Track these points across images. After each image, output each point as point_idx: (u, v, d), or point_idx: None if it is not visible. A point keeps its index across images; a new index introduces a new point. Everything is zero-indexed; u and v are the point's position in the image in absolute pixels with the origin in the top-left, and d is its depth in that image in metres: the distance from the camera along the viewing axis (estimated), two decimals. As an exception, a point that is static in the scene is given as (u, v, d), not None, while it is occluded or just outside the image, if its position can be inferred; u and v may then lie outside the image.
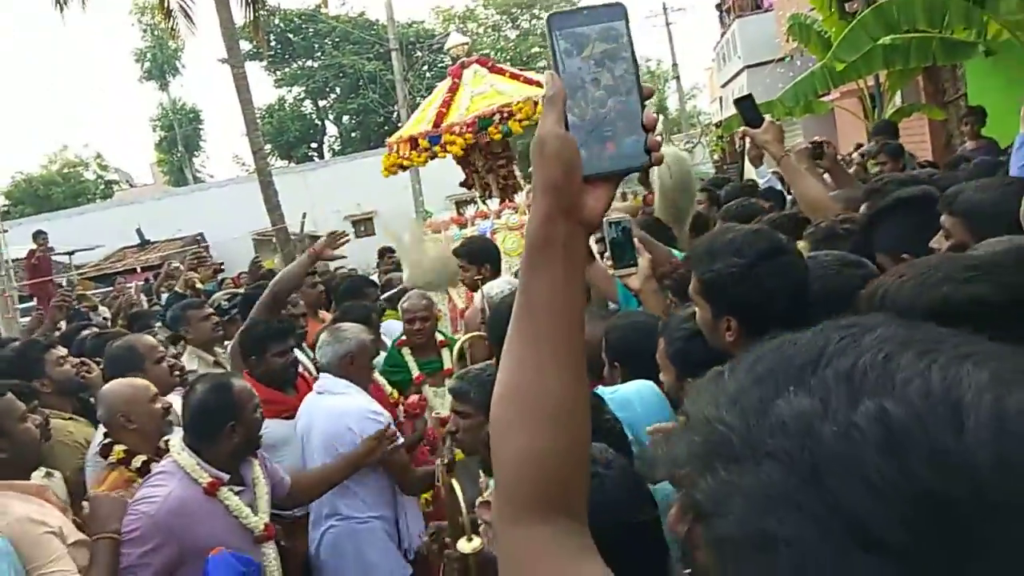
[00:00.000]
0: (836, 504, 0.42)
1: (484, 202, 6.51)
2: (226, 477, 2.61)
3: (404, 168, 6.85)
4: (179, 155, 37.44)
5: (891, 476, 0.41)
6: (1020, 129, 3.17)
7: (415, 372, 4.09)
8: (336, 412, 3.22)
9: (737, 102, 3.02)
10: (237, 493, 2.62)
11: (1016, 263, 0.97)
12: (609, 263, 2.39)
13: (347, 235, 4.21)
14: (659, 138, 0.84)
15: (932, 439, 0.41)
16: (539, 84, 6.55)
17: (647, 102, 0.83)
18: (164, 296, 6.86)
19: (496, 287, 3.71)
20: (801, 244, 2.86)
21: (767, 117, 2.96)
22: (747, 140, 3.48)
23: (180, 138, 36.74)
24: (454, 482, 2.29)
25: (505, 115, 6.08)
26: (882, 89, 10.40)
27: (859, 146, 9.16)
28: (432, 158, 6.49)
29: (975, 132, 7.28)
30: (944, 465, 0.41)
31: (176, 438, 2.66)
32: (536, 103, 6.05)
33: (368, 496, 3.26)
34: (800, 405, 0.45)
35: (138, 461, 2.67)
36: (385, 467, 3.26)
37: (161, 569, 2.40)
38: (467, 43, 7.02)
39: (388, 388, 3.85)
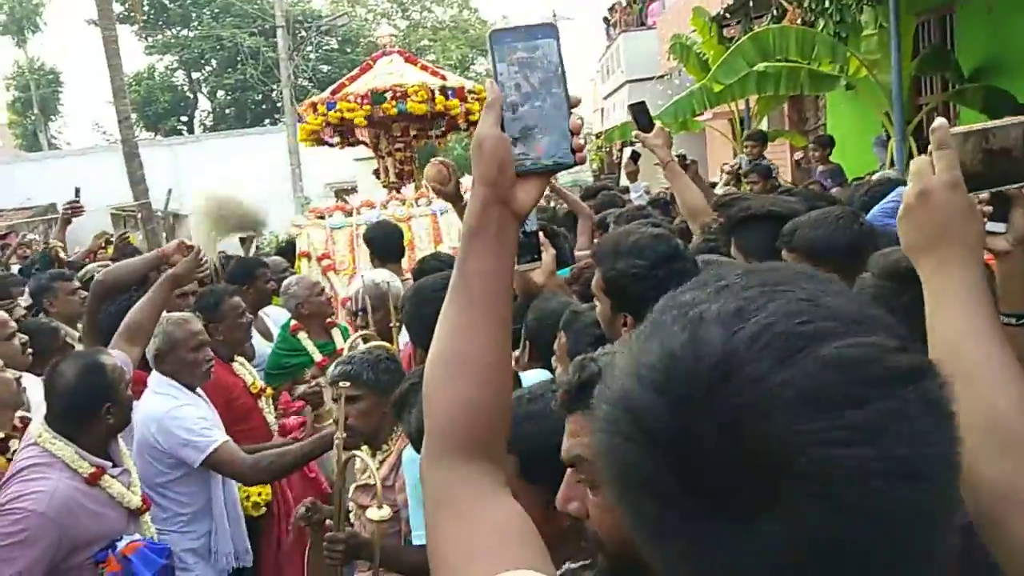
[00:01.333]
0: (642, 351, 0.61)
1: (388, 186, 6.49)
2: (109, 464, 2.48)
3: (319, 141, 6.71)
4: (34, 118, 34.76)
5: (669, 343, 0.60)
6: (876, 164, 3.47)
7: (317, 356, 4.04)
8: (144, 416, 2.93)
9: (631, 107, 3.23)
10: (119, 476, 2.52)
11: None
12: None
13: (204, 263, 3.51)
14: (583, 141, 0.95)
15: (704, 327, 0.59)
16: (443, 78, 6.58)
17: (573, 110, 0.94)
18: (16, 266, 6.35)
19: (378, 275, 3.69)
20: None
21: (657, 123, 3.17)
22: (624, 154, 3.70)
23: (36, 100, 34.09)
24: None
25: (399, 94, 6.06)
26: (751, 113, 11.00)
27: (724, 164, 9.68)
28: (329, 125, 6.36)
29: (824, 157, 7.92)
30: (695, 341, 0.58)
31: (39, 425, 2.46)
32: (433, 90, 6.11)
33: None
34: (681, 298, 0.63)
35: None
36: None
37: (50, 569, 2.27)
38: (394, 34, 7.01)
39: (250, 378, 3.62)
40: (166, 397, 3.01)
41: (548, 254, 2.64)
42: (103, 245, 5.71)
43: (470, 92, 6.37)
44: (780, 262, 0.61)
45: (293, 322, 4.14)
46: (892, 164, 7.48)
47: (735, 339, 0.56)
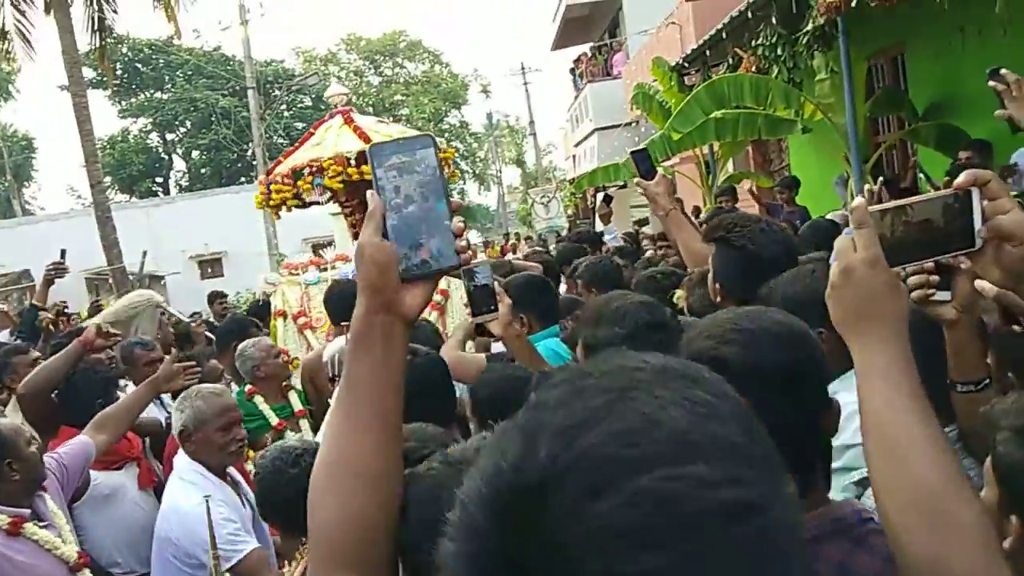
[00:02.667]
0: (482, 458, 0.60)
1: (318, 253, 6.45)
2: (27, 512, 2.52)
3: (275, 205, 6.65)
4: (7, 184, 34.69)
5: (498, 452, 0.58)
6: (839, 203, 3.53)
7: (274, 420, 3.95)
8: (167, 507, 2.75)
9: (633, 154, 3.12)
10: (44, 527, 2.55)
11: (766, 336, 1.12)
12: (468, 311, 2.46)
13: (117, 336, 3.69)
14: (465, 243, 0.98)
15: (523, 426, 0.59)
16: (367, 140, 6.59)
17: (455, 214, 0.98)
18: None
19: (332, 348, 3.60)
20: (679, 292, 3.06)
21: (659, 170, 3.06)
22: (597, 199, 3.65)
23: (9, 166, 34.07)
24: None
25: (315, 169, 6.03)
26: (716, 157, 11.22)
27: (696, 209, 9.84)
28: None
29: (790, 199, 8.08)
30: (519, 458, 0.57)
31: None
32: (347, 159, 6.08)
33: None
34: (542, 397, 0.62)
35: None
36: None
37: None
38: (346, 93, 7.01)
39: None
40: (193, 487, 2.72)
41: (504, 305, 2.63)
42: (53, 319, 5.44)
43: None
44: (655, 358, 0.60)
45: (248, 387, 4.03)
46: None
47: (558, 462, 0.54)
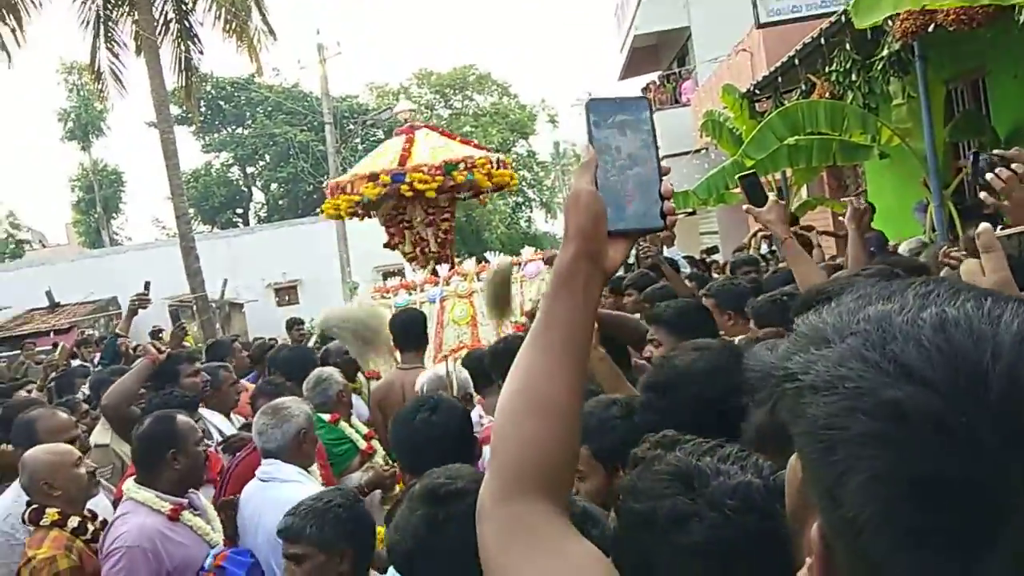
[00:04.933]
0: (893, 357, 0.55)
1: (411, 262, 6.58)
2: (185, 502, 2.86)
3: (342, 214, 6.88)
4: (96, 216, 36.44)
5: (938, 343, 0.55)
6: (919, 229, 3.41)
7: (362, 444, 4.05)
8: (284, 506, 2.81)
9: (741, 180, 2.99)
10: (198, 515, 2.90)
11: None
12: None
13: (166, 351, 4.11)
14: (673, 205, 0.99)
15: (972, 327, 0.55)
16: (476, 146, 6.81)
17: (664, 177, 0.99)
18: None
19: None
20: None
21: (771, 196, 2.92)
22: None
23: (99, 199, 35.82)
24: None
25: (470, 164, 6.22)
26: (789, 183, 11.06)
27: (761, 231, 9.70)
28: (385, 197, 6.53)
29: (867, 224, 7.86)
30: (977, 340, 0.54)
31: (129, 481, 2.90)
32: (493, 161, 6.34)
33: None
34: (883, 307, 0.59)
35: (74, 521, 2.79)
36: None
37: None
38: (414, 108, 7.28)
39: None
40: (300, 485, 2.94)
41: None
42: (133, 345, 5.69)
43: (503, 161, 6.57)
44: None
45: (329, 414, 4.07)
46: (934, 229, 7.47)
47: (1015, 333, 0.54)
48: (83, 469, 2.87)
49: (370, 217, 7.19)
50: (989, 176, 2.16)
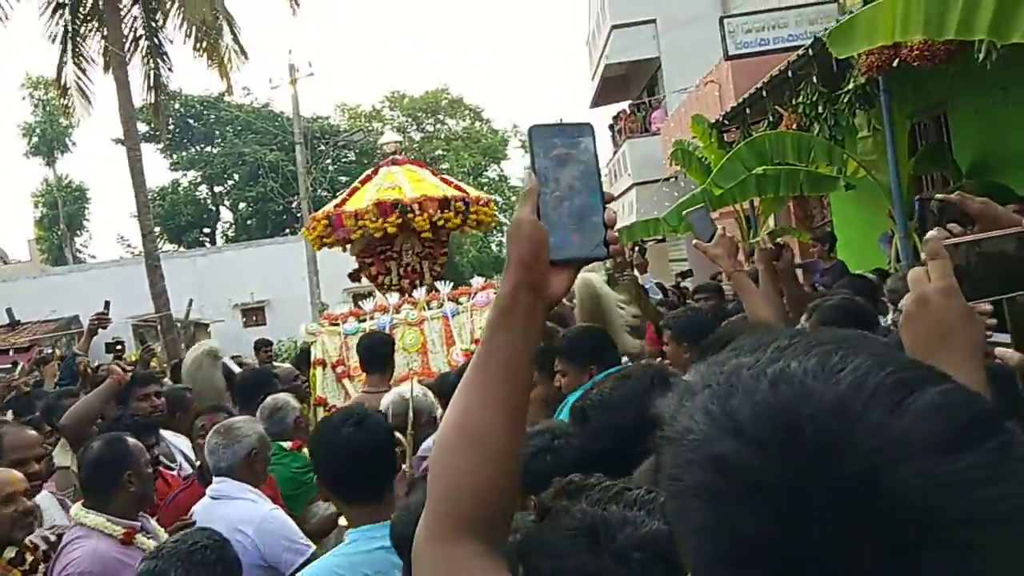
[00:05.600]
0: (729, 411, 0.58)
1: (385, 293, 6.51)
2: (138, 525, 2.79)
3: (327, 244, 6.80)
4: (60, 233, 35.84)
5: (768, 397, 0.57)
6: (884, 260, 3.46)
7: None
8: (235, 521, 2.90)
9: (688, 214, 3.05)
10: (151, 538, 2.81)
11: None
12: None
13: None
14: (616, 234, 0.98)
15: (804, 384, 0.57)
16: (457, 187, 6.81)
17: (608, 204, 0.98)
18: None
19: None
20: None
21: (719, 230, 2.97)
22: (635, 250, 3.59)
23: (63, 216, 35.25)
24: None
25: (473, 202, 6.31)
26: (756, 213, 11.21)
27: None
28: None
29: (824, 254, 8.05)
30: (802, 395, 0.56)
31: (76, 506, 2.82)
32: (442, 200, 6.32)
33: None
34: (740, 361, 0.61)
35: (10, 552, 2.65)
36: None
37: None
38: (399, 141, 7.22)
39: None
40: (251, 502, 3.03)
41: None
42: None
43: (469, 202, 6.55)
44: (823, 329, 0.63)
45: (290, 442, 3.98)
46: (898, 259, 7.59)
47: (840, 389, 0.55)
48: (11, 508, 2.68)
49: (345, 248, 7.13)
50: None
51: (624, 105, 22.07)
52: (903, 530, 0.52)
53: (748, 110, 9.96)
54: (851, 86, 7.40)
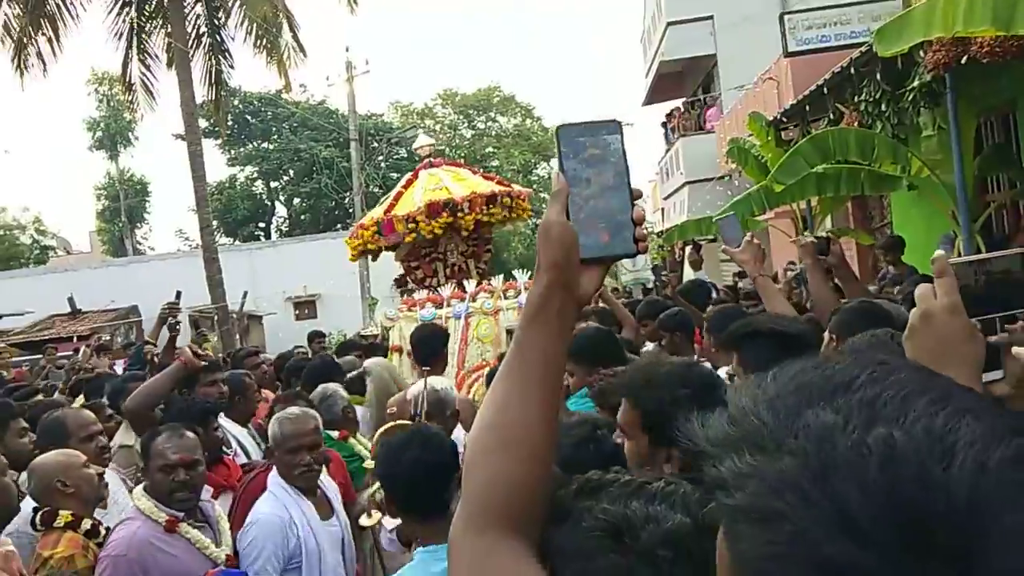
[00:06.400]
0: (835, 497, 0.50)
1: (435, 290, 6.55)
2: (181, 515, 2.88)
3: (369, 251, 6.92)
4: (121, 225, 36.86)
5: (884, 486, 0.50)
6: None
7: (370, 461, 4.01)
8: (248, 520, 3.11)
9: (719, 221, 3.18)
10: (198, 528, 2.91)
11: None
12: None
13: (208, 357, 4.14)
14: (646, 231, 1.00)
15: (923, 467, 0.50)
16: (500, 182, 6.85)
17: (636, 201, 0.99)
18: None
19: (439, 383, 3.67)
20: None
21: (746, 236, 3.09)
22: (686, 251, 3.66)
23: (124, 209, 36.25)
24: None
25: (513, 196, 6.34)
26: (813, 212, 11.01)
27: (790, 263, 9.65)
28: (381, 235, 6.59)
29: (896, 259, 7.76)
30: (927, 487, 0.50)
31: (138, 488, 2.95)
32: (491, 196, 6.34)
33: None
34: (826, 418, 0.54)
35: (87, 523, 2.77)
36: None
37: None
38: (432, 144, 7.26)
39: None
40: (270, 500, 3.12)
41: None
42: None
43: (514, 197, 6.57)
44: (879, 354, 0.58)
45: (337, 431, 4.07)
46: (961, 262, 7.39)
47: (966, 476, 0.49)
48: (92, 470, 2.89)
49: (378, 255, 7.21)
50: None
51: (678, 103, 21.87)
52: None
53: (808, 107, 9.79)
54: (916, 83, 7.22)
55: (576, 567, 1.01)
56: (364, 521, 2.53)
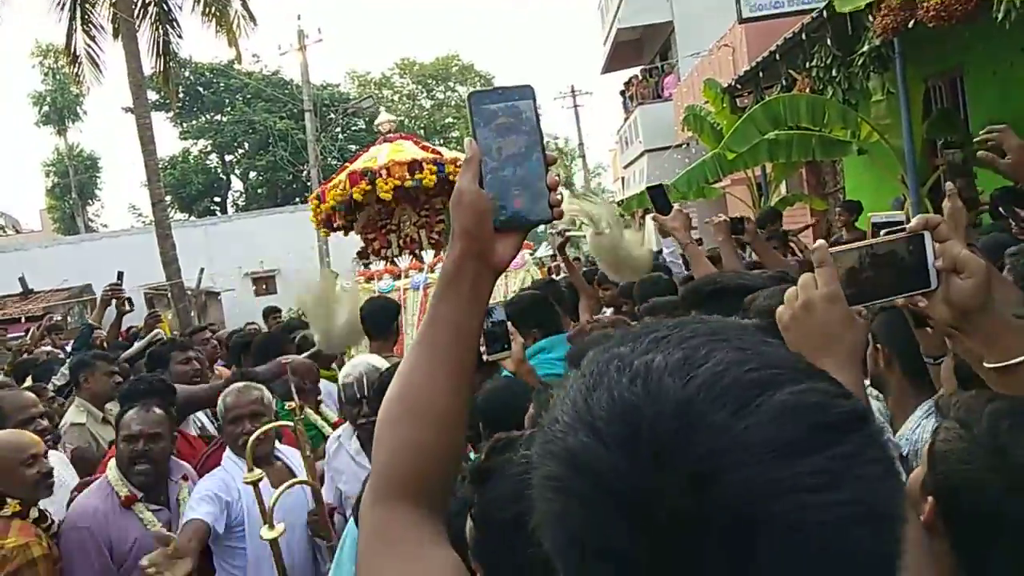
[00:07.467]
0: (589, 403, 0.59)
1: (391, 262, 6.55)
2: (139, 494, 2.96)
3: (332, 225, 6.90)
4: (72, 202, 35.97)
5: (624, 394, 0.58)
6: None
7: (328, 431, 3.87)
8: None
9: (649, 190, 3.23)
10: (156, 512, 2.99)
11: None
12: (483, 350, 2.44)
13: None
14: (559, 196, 0.98)
15: (660, 381, 0.58)
16: (435, 151, 6.82)
17: (551, 167, 0.97)
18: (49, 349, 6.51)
19: (377, 361, 3.48)
20: None
21: (675, 205, 3.19)
22: (646, 220, 3.72)
23: (75, 185, 35.34)
24: None
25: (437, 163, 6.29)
26: (768, 179, 11.12)
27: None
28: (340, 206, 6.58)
29: (850, 223, 7.89)
30: (654, 400, 0.57)
31: (112, 460, 3.06)
32: (412, 163, 6.36)
33: None
34: (616, 351, 0.62)
35: (35, 512, 2.74)
36: None
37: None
38: (393, 120, 7.21)
39: None
40: (217, 473, 3.17)
41: (517, 343, 2.62)
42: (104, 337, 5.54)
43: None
44: (709, 315, 0.62)
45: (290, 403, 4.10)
46: (910, 225, 7.53)
47: (690, 388, 0.55)
48: (34, 469, 2.75)
49: (349, 230, 7.20)
50: (981, 135, 2.44)
51: (636, 70, 21.86)
52: (736, 536, 0.52)
53: (761, 74, 9.84)
54: (866, 48, 7.29)
55: (513, 510, 1.01)
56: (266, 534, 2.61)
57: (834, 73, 7.88)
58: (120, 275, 5.29)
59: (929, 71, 7.97)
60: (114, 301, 5.20)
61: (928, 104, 8.33)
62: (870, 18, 6.68)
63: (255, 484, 2.76)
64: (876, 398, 2.21)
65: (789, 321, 1.12)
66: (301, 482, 2.94)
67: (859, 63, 7.51)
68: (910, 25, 6.27)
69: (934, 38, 6.68)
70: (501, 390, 2.41)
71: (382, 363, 3.34)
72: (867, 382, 2.11)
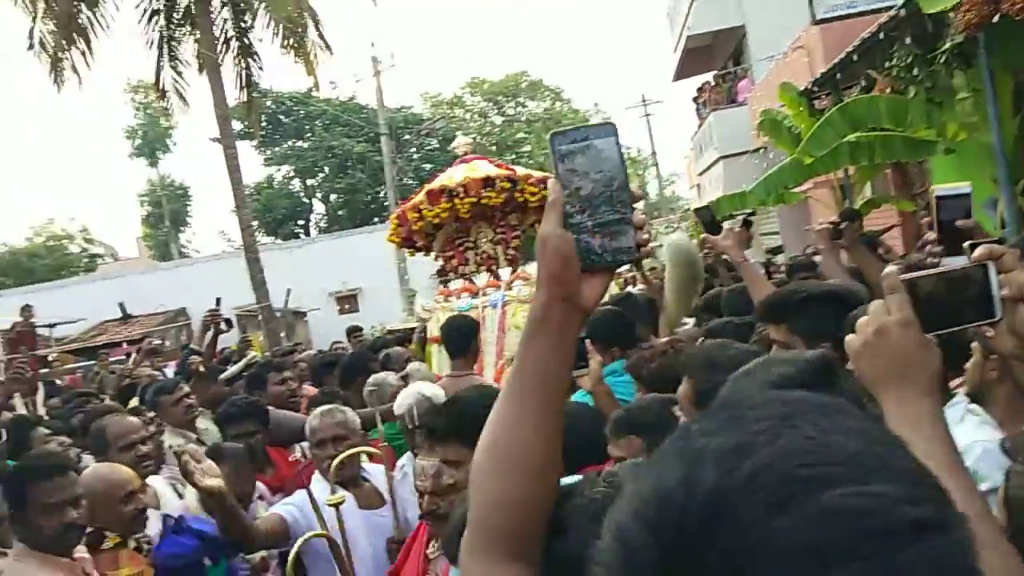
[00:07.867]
0: (648, 484, 0.57)
1: (469, 280, 6.62)
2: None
3: (413, 245, 7.00)
4: (165, 230, 37.65)
5: (672, 479, 0.57)
6: (989, 225, 3.38)
7: None
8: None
9: (696, 211, 3.24)
10: None
11: None
12: None
13: None
14: (647, 236, 0.98)
15: (701, 469, 0.56)
16: (509, 168, 6.86)
17: (636, 205, 0.97)
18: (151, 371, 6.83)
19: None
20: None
21: (726, 225, 3.21)
22: (723, 227, 3.50)
23: (167, 213, 37.01)
24: None
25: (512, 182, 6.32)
26: (851, 181, 10.82)
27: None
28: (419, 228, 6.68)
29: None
30: (685, 483, 0.56)
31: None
32: (486, 180, 6.37)
33: None
34: (704, 426, 0.61)
35: (133, 542, 2.79)
36: None
37: None
38: (470, 143, 7.30)
39: None
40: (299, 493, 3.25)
41: (595, 361, 2.63)
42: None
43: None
44: (804, 393, 0.65)
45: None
46: (1003, 225, 7.22)
47: (729, 479, 0.53)
48: (131, 506, 2.78)
49: (430, 250, 7.25)
50: None
51: (708, 76, 21.58)
52: None
53: (839, 75, 9.60)
54: (948, 45, 7.05)
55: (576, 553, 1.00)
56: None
57: (915, 72, 7.63)
58: (218, 301, 5.51)
59: (1018, 65, 7.64)
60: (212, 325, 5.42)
61: (1018, 99, 7.98)
62: (951, 15, 6.47)
63: (336, 506, 2.81)
64: (974, 412, 2.14)
65: (861, 348, 1.09)
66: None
67: (941, 60, 7.26)
68: (995, 19, 6.05)
69: (1021, 31, 6.42)
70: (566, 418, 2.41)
71: (434, 391, 3.28)
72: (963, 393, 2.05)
